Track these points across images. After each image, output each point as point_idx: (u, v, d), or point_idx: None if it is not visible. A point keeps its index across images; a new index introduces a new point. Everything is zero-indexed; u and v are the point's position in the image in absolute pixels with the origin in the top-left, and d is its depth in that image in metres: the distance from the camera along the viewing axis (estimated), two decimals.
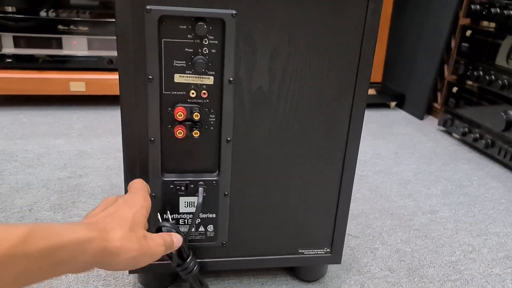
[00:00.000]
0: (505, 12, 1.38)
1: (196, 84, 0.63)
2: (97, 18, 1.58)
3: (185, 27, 0.60)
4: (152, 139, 0.64)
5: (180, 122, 0.64)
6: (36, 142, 1.34)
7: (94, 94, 1.61)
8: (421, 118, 1.85)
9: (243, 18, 0.60)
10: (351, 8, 0.63)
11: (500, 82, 1.39)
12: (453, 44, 1.78)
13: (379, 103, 1.95)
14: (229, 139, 0.67)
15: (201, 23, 0.59)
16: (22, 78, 1.52)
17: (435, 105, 1.89)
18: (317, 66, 0.65)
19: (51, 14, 1.60)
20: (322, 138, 0.70)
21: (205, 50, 0.61)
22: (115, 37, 1.63)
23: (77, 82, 1.57)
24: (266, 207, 0.73)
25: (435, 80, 1.83)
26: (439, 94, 1.88)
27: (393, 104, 1.95)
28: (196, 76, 0.63)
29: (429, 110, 1.91)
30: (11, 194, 1.05)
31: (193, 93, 0.63)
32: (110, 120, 1.56)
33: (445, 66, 1.83)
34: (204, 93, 0.64)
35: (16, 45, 1.53)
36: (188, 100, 0.64)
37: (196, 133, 0.65)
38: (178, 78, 0.62)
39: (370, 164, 1.38)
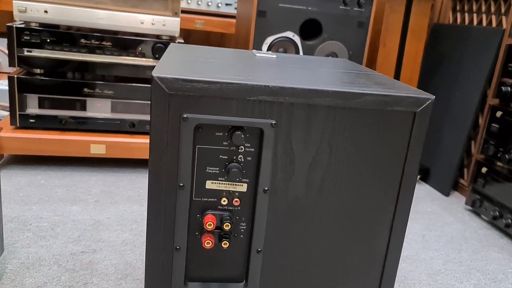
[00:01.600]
0: None
1: (228, 191, 0.59)
2: (122, 82, 1.59)
3: (221, 134, 0.57)
4: (178, 247, 0.60)
5: (209, 231, 0.60)
6: (52, 208, 1.31)
7: (114, 157, 1.59)
8: (447, 194, 1.78)
9: (283, 128, 0.57)
10: (397, 120, 0.59)
11: None
12: (480, 121, 1.74)
13: None
14: (259, 249, 0.62)
15: (239, 132, 0.56)
16: (44, 138, 1.51)
17: (462, 181, 1.83)
18: (358, 177, 0.61)
19: (77, 76, 1.61)
20: (361, 250, 0.65)
21: (240, 158, 0.58)
22: (138, 101, 1.62)
23: (98, 145, 1.55)
24: None
25: (462, 156, 1.78)
26: (465, 170, 1.82)
27: (417, 177, 1.90)
28: (229, 183, 0.59)
29: (455, 186, 1.85)
30: (21, 271, 1.00)
31: (224, 200, 0.59)
32: (128, 185, 1.53)
33: (472, 143, 1.79)
34: (236, 201, 0.60)
35: (41, 106, 1.53)
36: (219, 207, 0.60)
37: (225, 244, 0.60)
38: (210, 184, 0.59)
39: None
